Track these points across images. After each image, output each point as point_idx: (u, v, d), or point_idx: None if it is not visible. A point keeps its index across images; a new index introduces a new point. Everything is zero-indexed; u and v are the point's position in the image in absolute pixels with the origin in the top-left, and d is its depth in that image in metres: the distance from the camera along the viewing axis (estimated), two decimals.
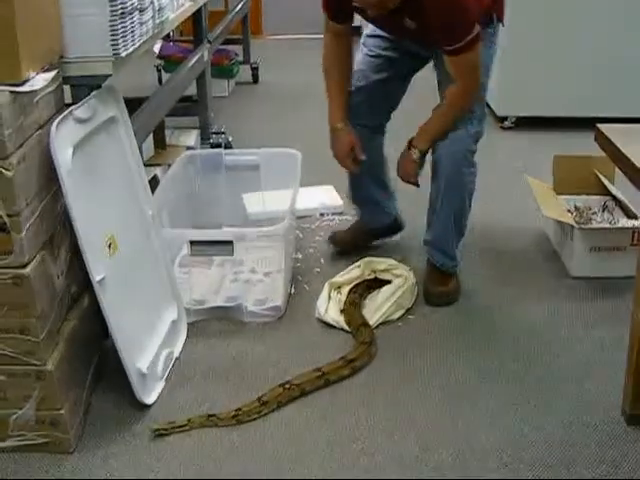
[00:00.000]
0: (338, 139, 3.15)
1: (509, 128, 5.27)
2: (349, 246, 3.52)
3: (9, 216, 2.12)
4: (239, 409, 2.51)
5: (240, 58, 6.58)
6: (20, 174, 2.12)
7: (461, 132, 2.96)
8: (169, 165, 3.94)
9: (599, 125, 2.43)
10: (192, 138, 4.65)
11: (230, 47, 6.37)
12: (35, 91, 2.21)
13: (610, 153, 2.33)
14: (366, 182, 3.41)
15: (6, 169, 2.07)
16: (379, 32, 3.16)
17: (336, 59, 3.15)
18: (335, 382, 2.66)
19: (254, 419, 2.50)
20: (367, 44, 3.22)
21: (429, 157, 3.07)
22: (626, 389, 2.48)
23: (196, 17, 4.31)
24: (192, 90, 4.60)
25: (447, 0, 2.70)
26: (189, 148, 4.38)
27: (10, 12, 2.09)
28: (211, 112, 4.69)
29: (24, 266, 2.18)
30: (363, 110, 3.20)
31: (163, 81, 5.96)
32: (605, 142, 2.35)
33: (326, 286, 3.16)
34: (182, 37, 6.90)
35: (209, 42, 4.62)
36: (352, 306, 3.02)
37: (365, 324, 2.92)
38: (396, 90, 3.27)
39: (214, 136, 4.66)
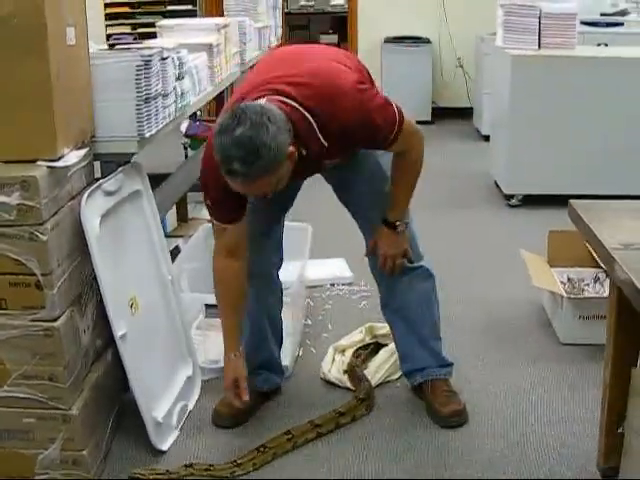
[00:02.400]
0: (227, 368, 2.83)
1: (515, 206, 5.54)
2: (240, 420, 3.00)
3: (43, 275, 2.40)
4: (211, 465, 2.71)
5: None
6: (53, 238, 2.41)
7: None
8: (190, 236, 4.23)
9: (572, 201, 2.66)
10: None
11: None
12: (68, 166, 2.51)
13: (580, 228, 2.58)
14: (269, 341, 3.10)
15: (41, 233, 2.37)
16: None
17: (230, 281, 2.79)
18: (302, 445, 2.84)
19: (226, 477, 2.69)
20: None
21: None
22: (600, 444, 2.68)
23: (219, 100, 4.62)
24: None
25: (362, 115, 2.50)
26: (209, 221, 4.66)
27: (49, 98, 2.41)
28: None
29: (55, 320, 2.46)
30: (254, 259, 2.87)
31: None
32: (576, 218, 2.59)
33: (330, 349, 3.40)
34: (209, 116, 7.24)
35: None
36: (355, 380, 3.19)
37: (358, 398, 3.04)
38: (280, 220, 3.05)
39: None
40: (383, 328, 3.45)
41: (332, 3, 14.16)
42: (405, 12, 8.35)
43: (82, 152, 2.61)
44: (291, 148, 2.38)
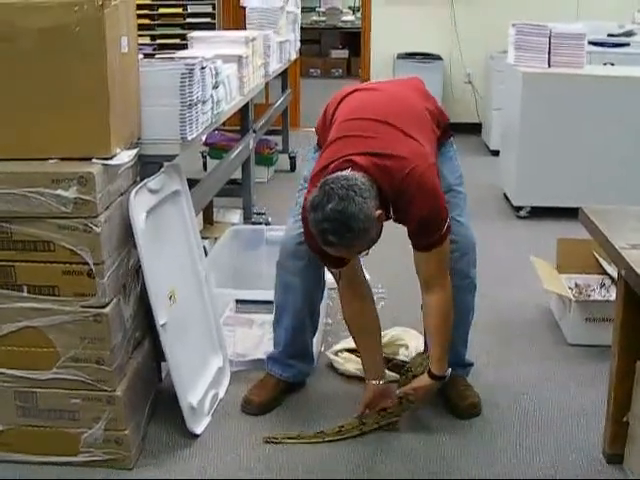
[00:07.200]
0: (368, 391, 3.07)
1: (524, 217, 5.75)
2: (268, 408, 3.22)
3: (95, 264, 2.60)
4: (342, 426, 3.01)
5: (280, 148, 7.13)
6: (105, 231, 2.62)
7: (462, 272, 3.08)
8: (215, 238, 4.44)
9: (582, 207, 2.88)
10: (236, 216, 5.17)
11: (271, 137, 6.93)
12: (120, 165, 2.71)
13: (590, 230, 2.79)
14: (307, 334, 3.32)
15: (95, 225, 2.57)
16: None
17: (363, 324, 3.05)
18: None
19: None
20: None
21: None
22: (605, 432, 2.88)
23: (243, 109, 4.82)
24: (237, 175, 5.09)
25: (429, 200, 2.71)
26: (233, 225, 4.88)
27: (105, 101, 2.61)
28: (253, 194, 5.19)
29: (104, 306, 2.66)
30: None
31: (208, 166, 6.50)
32: (586, 221, 2.80)
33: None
34: (225, 127, 7.44)
35: (254, 132, 5.15)
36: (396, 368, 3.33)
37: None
38: None
39: (255, 216, 5.15)
40: (385, 335, 3.49)
41: (343, 19, 14.49)
42: (418, 29, 8.55)
43: (133, 152, 2.80)
44: (378, 211, 2.61)
